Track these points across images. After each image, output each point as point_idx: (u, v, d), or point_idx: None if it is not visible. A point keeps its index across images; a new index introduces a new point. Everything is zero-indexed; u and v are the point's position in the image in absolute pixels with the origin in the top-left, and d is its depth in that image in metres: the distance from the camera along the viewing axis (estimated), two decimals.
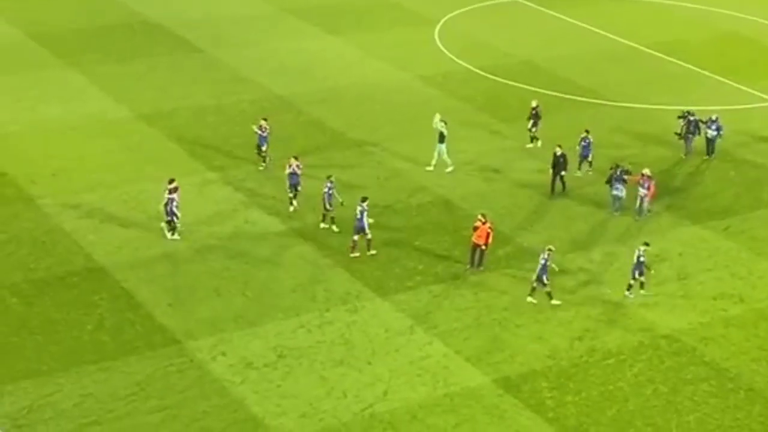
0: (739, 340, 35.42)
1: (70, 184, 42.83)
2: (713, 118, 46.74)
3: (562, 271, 38.34)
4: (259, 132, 44.03)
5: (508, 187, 43.91)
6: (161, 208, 39.10)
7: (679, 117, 46.85)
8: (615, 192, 42.09)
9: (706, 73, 57.14)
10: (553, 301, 36.51)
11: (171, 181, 39.29)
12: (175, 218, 39.00)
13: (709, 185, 45.43)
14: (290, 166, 40.91)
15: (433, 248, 39.60)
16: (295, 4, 64.13)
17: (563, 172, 43.36)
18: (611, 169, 42.46)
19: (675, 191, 44.63)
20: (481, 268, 37.86)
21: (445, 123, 44.48)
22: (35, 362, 32.57)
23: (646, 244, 37.17)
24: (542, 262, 36.22)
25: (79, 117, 48.79)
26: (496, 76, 55.21)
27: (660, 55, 59.27)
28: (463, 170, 45.17)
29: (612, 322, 35.92)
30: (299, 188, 40.96)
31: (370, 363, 33.30)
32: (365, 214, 38.45)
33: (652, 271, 37.49)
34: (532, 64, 57.07)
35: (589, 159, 45.41)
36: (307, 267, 38.09)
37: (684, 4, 67.98)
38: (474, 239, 37.69)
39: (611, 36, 61.68)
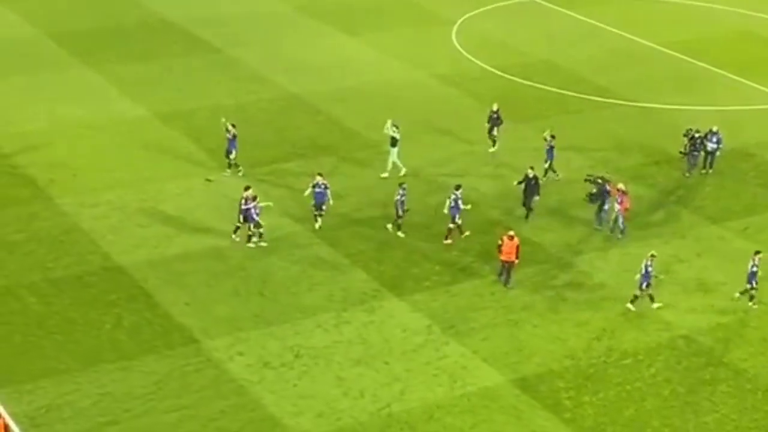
0: (757, 340, 35.17)
1: (88, 184, 42.82)
2: (713, 130, 45.47)
3: (580, 272, 38.13)
4: (228, 136, 43.04)
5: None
6: (239, 216, 38.51)
7: (684, 135, 45.40)
8: (602, 210, 40.62)
9: (723, 72, 56.82)
10: (654, 305, 36.10)
11: (247, 188, 38.74)
12: (257, 225, 38.33)
13: (727, 185, 45.12)
14: (315, 183, 39.63)
15: (450, 248, 39.42)
16: (313, 3, 64.04)
17: (536, 197, 40.85)
18: (591, 182, 40.93)
19: (693, 191, 44.33)
20: (510, 285, 36.95)
21: (397, 127, 43.74)
22: (53, 361, 32.54)
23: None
24: (644, 269, 35.70)
25: (98, 116, 48.79)
26: (512, 75, 55.01)
27: (676, 54, 58.97)
28: (479, 170, 44.95)
29: (629, 323, 35.70)
30: (324, 207, 39.78)
31: (387, 363, 33.17)
32: (459, 201, 38.85)
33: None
34: (549, 64, 56.84)
35: (546, 165, 43.76)
36: (325, 267, 37.98)
37: (700, 3, 67.63)
38: (503, 257, 36.63)
39: (627, 35, 61.39)
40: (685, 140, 45.32)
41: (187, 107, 50.09)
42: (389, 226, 39.97)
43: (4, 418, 29.32)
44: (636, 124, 50.46)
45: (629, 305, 36.27)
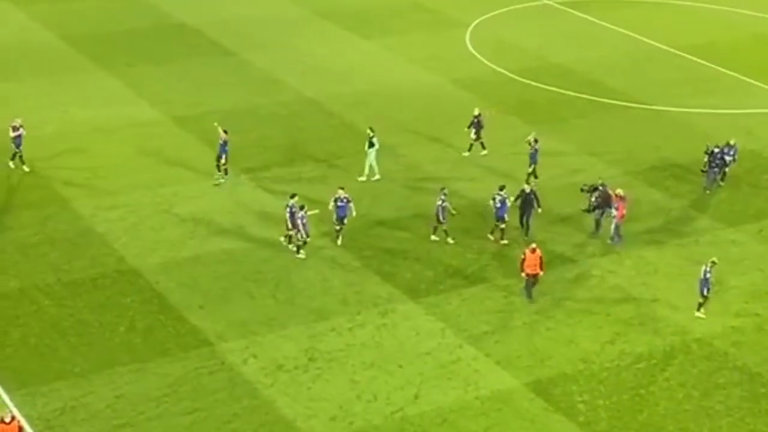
0: None
1: (103, 186, 42.87)
2: (731, 143, 44.40)
3: (594, 276, 38.00)
4: (219, 141, 42.90)
5: (544, 189, 43.48)
6: (288, 224, 38.21)
7: (705, 152, 44.07)
8: (599, 216, 40.01)
9: (737, 75, 56.61)
10: (698, 313, 35.83)
11: (293, 196, 38.47)
12: (305, 234, 37.92)
13: (742, 188, 44.93)
14: (337, 197, 39.03)
15: (464, 252, 39.34)
16: (328, 7, 64.04)
17: (539, 209, 39.85)
18: (588, 191, 40.32)
19: (707, 194, 44.13)
20: (532, 299, 36.41)
21: (373, 131, 43.54)
22: (68, 364, 32.57)
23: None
24: (704, 275, 35.43)
25: (113, 119, 48.85)
26: (527, 79, 54.90)
27: (691, 57, 58.79)
28: (493, 173, 44.84)
29: (643, 326, 35.55)
30: (346, 221, 39.17)
31: (400, 366, 33.10)
32: (506, 202, 38.94)
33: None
34: (563, 67, 56.72)
35: (529, 169, 43.39)
36: (339, 270, 37.93)
37: (714, 6, 67.39)
38: (528, 270, 36.09)
39: (642, 38, 61.22)
40: (705, 157, 43.99)
41: (201, 110, 50.12)
42: (433, 237, 39.60)
43: (18, 421, 29.34)
44: (650, 127, 50.30)
45: (698, 313, 35.91)
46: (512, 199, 39.88)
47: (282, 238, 38.85)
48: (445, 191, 39.70)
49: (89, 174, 43.80)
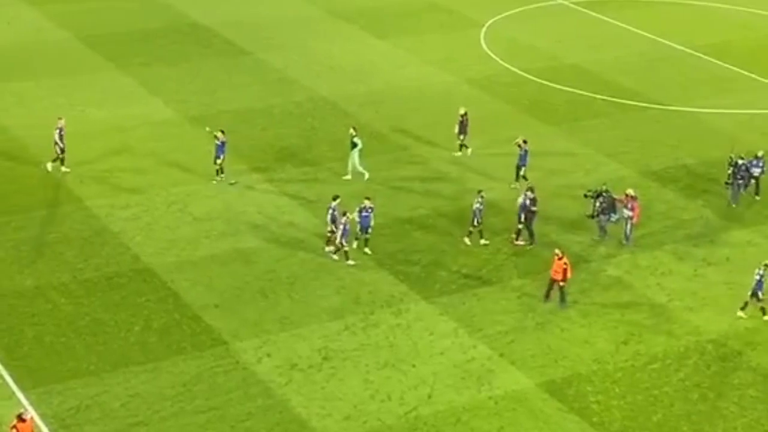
0: None
1: (118, 185, 43.03)
2: (759, 155, 43.37)
3: (608, 276, 37.97)
4: (216, 142, 42.89)
5: (552, 190, 43.51)
6: (334, 228, 38.05)
7: (728, 164, 42.92)
8: (605, 223, 39.80)
9: (753, 75, 56.47)
10: (740, 313, 35.81)
11: (336, 198, 38.26)
12: (345, 241, 37.82)
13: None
14: (362, 206, 38.70)
15: (478, 251, 39.35)
16: (342, 6, 64.10)
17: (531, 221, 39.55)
18: (592, 197, 39.98)
19: (723, 194, 44.00)
20: (565, 305, 36.18)
21: (356, 131, 43.43)
22: (83, 362, 32.71)
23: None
24: (757, 277, 35.32)
25: (128, 119, 49.00)
26: (542, 79, 54.88)
27: (706, 57, 58.67)
28: (504, 172, 44.84)
29: (657, 327, 35.52)
30: (370, 230, 38.80)
31: (414, 366, 33.14)
32: (529, 201, 39.01)
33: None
34: (578, 67, 56.67)
35: (522, 172, 43.11)
36: (352, 269, 37.99)
37: (729, 6, 67.23)
38: (552, 274, 36.16)
39: (657, 39, 61.12)
40: (729, 169, 42.83)
41: (216, 109, 50.25)
42: (467, 240, 39.55)
43: (33, 421, 29.47)
44: (665, 128, 50.22)
45: (740, 313, 35.85)
46: (516, 202, 39.77)
47: (328, 249, 38.56)
48: (483, 194, 39.61)
49: (104, 173, 43.95)
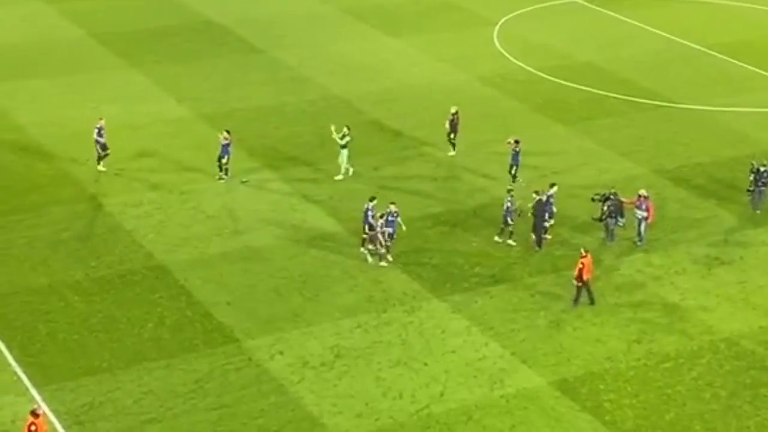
0: None
1: (131, 183, 43.21)
2: None
3: (621, 275, 38.00)
4: (222, 143, 43.00)
5: (566, 189, 43.52)
6: (375, 235, 37.89)
7: (751, 171, 42.35)
8: (612, 227, 39.62)
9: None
10: None
11: (372, 199, 38.07)
12: (383, 242, 37.60)
13: None
14: (388, 211, 38.31)
15: (490, 250, 39.42)
16: (355, 5, 64.20)
17: (547, 223, 39.28)
18: (600, 201, 39.77)
19: (736, 193, 43.98)
20: (577, 305, 36.03)
21: (348, 129, 43.35)
22: (96, 359, 32.89)
23: None
24: None
25: (142, 117, 49.21)
26: (555, 77, 54.89)
27: (722, 56, 58.59)
28: (523, 171, 44.90)
29: (670, 326, 35.54)
30: (395, 237, 38.42)
31: (426, 364, 33.24)
32: (552, 198, 39.32)
33: None
34: (592, 66, 56.66)
35: (513, 172, 42.96)
36: (365, 267, 38.09)
37: (744, 4, 67.10)
38: (585, 275, 35.66)
39: (672, 37, 61.06)
40: (751, 176, 42.34)
41: (229, 108, 50.42)
42: (497, 238, 39.58)
43: (45, 416, 29.66)
44: (679, 126, 50.19)
45: None
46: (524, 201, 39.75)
47: (363, 250, 38.56)
48: (512, 192, 39.66)
49: (118, 171, 44.14)
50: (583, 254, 35.92)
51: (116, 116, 49.08)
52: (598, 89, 53.60)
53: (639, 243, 39.78)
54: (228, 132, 43.51)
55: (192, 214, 41.20)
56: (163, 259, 38.07)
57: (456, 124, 45.87)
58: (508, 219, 39.31)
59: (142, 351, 33.33)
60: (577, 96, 52.93)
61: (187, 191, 42.82)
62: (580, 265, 35.70)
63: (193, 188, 43.05)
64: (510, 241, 39.55)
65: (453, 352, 33.83)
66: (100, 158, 43.75)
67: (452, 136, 46.02)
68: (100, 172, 43.60)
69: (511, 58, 57.12)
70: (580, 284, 35.94)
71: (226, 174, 43.46)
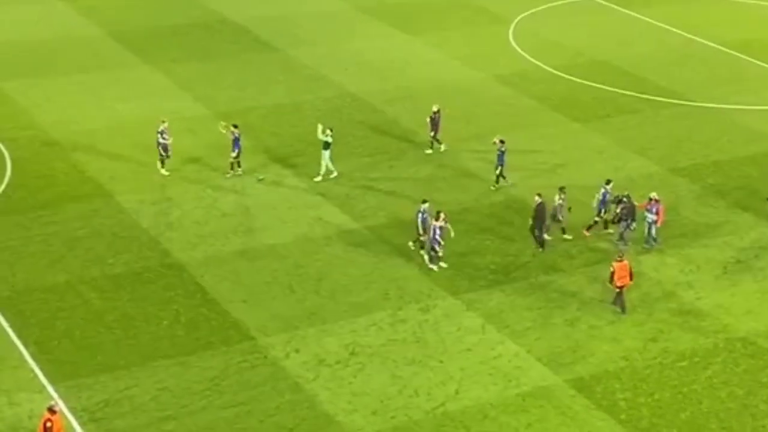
0: None
1: (147, 181, 43.24)
2: None
3: (637, 273, 37.83)
4: (231, 137, 42.92)
5: (581, 186, 43.38)
6: (423, 237, 37.61)
7: None
8: (624, 230, 39.05)
9: None
10: None
11: (424, 201, 37.93)
12: (438, 247, 37.30)
13: None
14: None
15: (505, 248, 39.32)
16: (371, 3, 64.16)
17: (546, 223, 38.90)
18: (612, 203, 39.33)
19: (751, 191, 43.81)
20: (617, 308, 35.72)
21: (331, 131, 43.05)
22: (113, 356, 32.92)
23: None
24: None
25: (158, 115, 49.08)
26: (571, 75, 54.74)
27: (738, 54, 58.33)
28: (533, 169, 44.79)
29: (686, 324, 35.39)
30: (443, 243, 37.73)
31: (441, 362, 33.17)
32: (608, 195, 39.21)
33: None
34: (608, 64, 56.49)
35: (498, 171, 42.50)
36: (380, 265, 38.05)
37: (762, 2, 66.80)
38: (618, 283, 35.21)
39: (688, 35, 60.82)
40: None
41: (245, 105, 50.43)
42: (546, 236, 39.43)
43: (62, 413, 29.68)
44: (696, 124, 49.99)
45: None
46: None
47: (411, 243, 38.46)
48: (565, 190, 39.59)
49: (134, 168, 44.18)
50: (618, 258, 35.46)
51: (134, 114, 49.17)
52: (613, 87, 53.43)
53: (649, 246, 39.31)
54: (235, 126, 43.43)
55: (208, 212, 41.21)
56: (179, 257, 38.09)
57: (437, 121, 45.58)
58: (559, 216, 39.19)
59: (158, 348, 33.36)
60: (592, 94, 52.79)
61: (203, 189, 42.83)
62: (611, 269, 35.23)
63: (209, 186, 43.06)
64: (566, 236, 39.50)
65: (468, 350, 33.76)
66: (162, 161, 43.54)
67: (433, 134, 45.71)
68: (164, 176, 43.36)
69: (527, 56, 56.99)
70: (617, 288, 35.34)
71: (238, 167, 43.41)
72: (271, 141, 46.66)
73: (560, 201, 39.38)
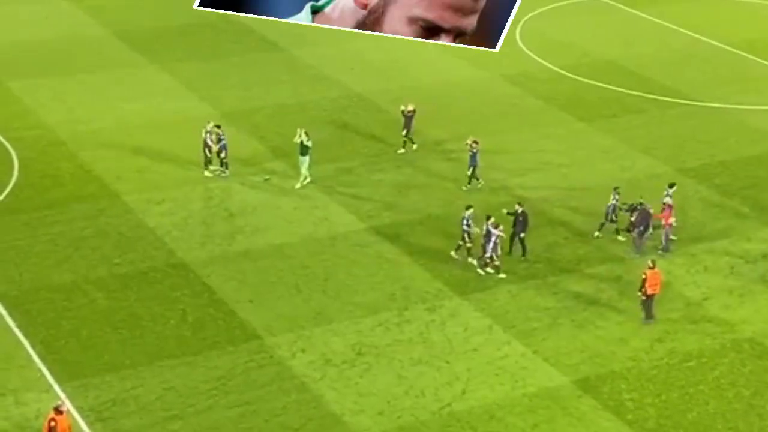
0: None
1: (153, 181, 43.25)
2: None
3: (643, 272, 37.76)
4: (220, 139, 42.82)
5: (589, 187, 43.35)
6: (480, 245, 37.32)
7: None
8: (637, 238, 38.70)
9: None
10: None
11: (469, 207, 37.68)
12: (495, 257, 36.92)
13: None
14: (493, 226, 37.40)
15: (514, 248, 39.19)
16: None
17: (522, 234, 38.12)
18: (627, 211, 39.00)
19: (759, 192, 43.70)
20: (649, 321, 35.23)
21: (308, 135, 42.60)
22: (119, 356, 32.94)
23: None
24: None
25: (164, 114, 49.26)
26: (577, 75, 54.69)
27: (744, 54, 58.23)
28: (539, 169, 44.73)
29: (693, 325, 35.34)
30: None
31: (448, 362, 33.15)
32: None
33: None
34: (614, 64, 56.42)
35: (468, 172, 42.35)
36: (387, 265, 38.02)
37: (767, 2, 66.76)
38: (649, 290, 34.66)
39: (693, 34, 60.72)
40: None
41: (251, 105, 50.42)
42: (597, 233, 39.45)
43: (68, 413, 29.68)
44: (702, 124, 49.90)
45: None
46: (505, 212, 38.94)
47: (453, 253, 38.12)
48: (619, 190, 39.48)
49: (140, 168, 44.19)
50: (651, 266, 35.03)
51: (139, 114, 49.19)
52: (620, 87, 53.36)
53: (661, 253, 38.81)
54: (218, 127, 43.36)
55: (214, 212, 41.22)
56: (186, 257, 38.10)
57: (410, 119, 45.35)
58: (613, 216, 39.13)
59: (165, 348, 33.37)
60: (597, 94, 52.73)
61: (209, 189, 42.84)
62: (644, 276, 34.86)
63: (215, 186, 43.06)
64: (619, 237, 39.41)
65: (475, 350, 33.73)
66: (206, 163, 43.26)
67: (405, 132, 45.50)
68: (207, 177, 43.20)
69: (534, 56, 56.93)
70: (645, 298, 34.96)
71: (226, 168, 43.17)
72: (276, 141, 46.63)
73: (614, 201, 39.23)
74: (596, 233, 39.69)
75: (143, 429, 30.10)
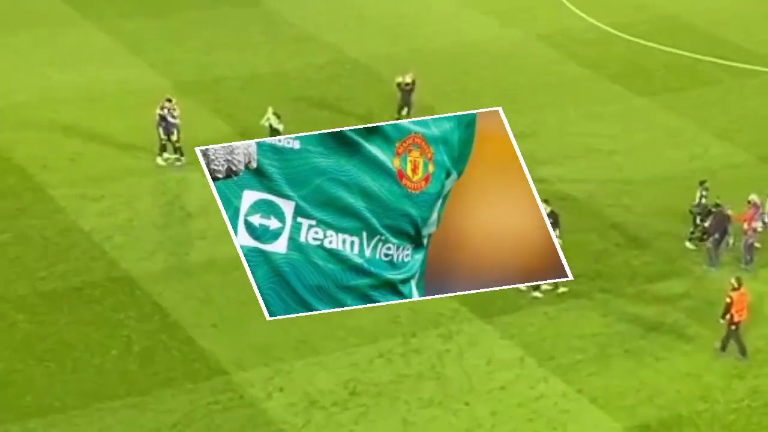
0: None
1: (90, 171, 43.41)
2: None
3: (717, 290, 37.93)
4: (168, 118, 42.93)
5: (648, 180, 43.50)
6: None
7: None
8: (713, 247, 38.84)
9: None
10: None
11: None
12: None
13: None
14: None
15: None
16: None
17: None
18: (699, 214, 39.47)
19: None
20: (725, 352, 35.38)
21: (279, 117, 42.95)
22: (45, 396, 33.07)
23: None
24: None
25: (103, 86, 49.40)
26: (633, 36, 54.87)
27: None
28: (593, 156, 44.87)
29: None
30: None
31: (467, 404, 33.33)
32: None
33: None
34: (679, 21, 56.63)
35: None
36: None
37: None
38: (736, 317, 34.46)
39: None
40: None
41: (214, 74, 50.61)
42: (688, 243, 39.96)
43: None
44: None
45: None
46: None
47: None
48: (707, 185, 39.85)
49: (73, 154, 44.35)
50: (736, 286, 34.72)
51: (72, 85, 49.35)
52: (688, 51, 53.54)
53: (744, 266, 39.02)
54: (169, 100, 43.30)
55: (168, 211, 41.40)
56: (131, 269, 38.27)
57: (409, 94, 45.76)
58: (699, 218, 39.58)
59: (105, 386, 33.52)
60: (660, 60, 52.93)
61: (161, 182, 43.04)
62: (728, 300, 34.72)
63: (169, 178, 43.25)
64: (688, 244, 39.97)
65: (502, 388, 33.91)
66: (163, 147, 43.59)
67: (404, 111, 45.87)
68: (159, 167, 43.57)
69: (578, 11, 57.11)
70: (732, 327, 34.81)
71: (181, 155, 43.30)
72: (247, 120, 46.73)
73: (702, 199, 39.61)
74: (687, 243, 39.81)
75: None
